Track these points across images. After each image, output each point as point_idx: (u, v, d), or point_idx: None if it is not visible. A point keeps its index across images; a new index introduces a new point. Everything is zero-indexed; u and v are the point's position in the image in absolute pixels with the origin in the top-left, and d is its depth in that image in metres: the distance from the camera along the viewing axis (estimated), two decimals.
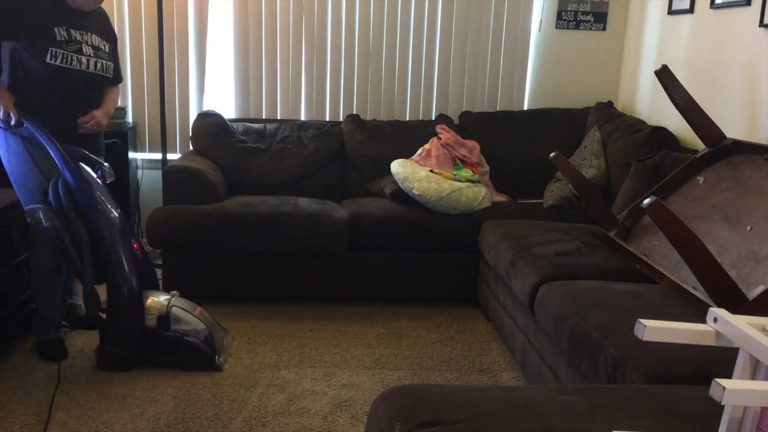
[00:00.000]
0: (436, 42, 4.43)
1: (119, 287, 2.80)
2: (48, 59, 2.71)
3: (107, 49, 2.94)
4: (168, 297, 2.93)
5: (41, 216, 2.72)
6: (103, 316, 2.89)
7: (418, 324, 3.48)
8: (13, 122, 2.72)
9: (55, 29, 2.73)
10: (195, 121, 4.07)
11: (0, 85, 2.74)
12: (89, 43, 2.84)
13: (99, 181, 2.87)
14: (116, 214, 2.86)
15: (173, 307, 2.89)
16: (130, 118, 4.33)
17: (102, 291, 2.85)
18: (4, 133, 2.80)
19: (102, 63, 2.89)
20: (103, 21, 2.99)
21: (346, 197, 4.02)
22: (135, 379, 2.79)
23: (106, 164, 2.94)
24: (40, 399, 2.60)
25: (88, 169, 2.84)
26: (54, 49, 2.72)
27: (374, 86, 4.45)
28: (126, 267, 2.80)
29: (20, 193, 2.87)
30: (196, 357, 2.88)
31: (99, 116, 2.96)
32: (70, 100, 2.86)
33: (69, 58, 2.76)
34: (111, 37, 3.03)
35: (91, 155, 2.90)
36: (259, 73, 4.35)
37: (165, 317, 2.86)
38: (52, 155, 2.75)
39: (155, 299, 2.89)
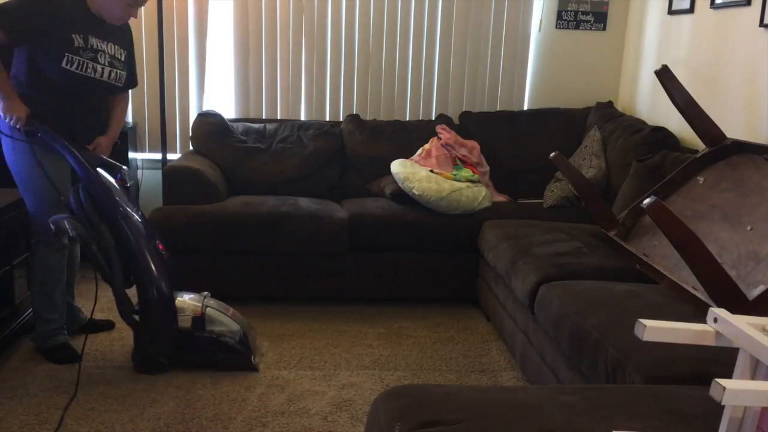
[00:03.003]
0: (436, 42, 4.43)
1: (149, 289, 2.80)
2: (63, 64, 2.71)
3: (123, 58, 2.93)
4: (200, 298, 2.94)
5: (67, 226, 2.71)
6: (136, 318, 2.89)
7: (418, 324, 3.48)
8: (19, 126, 2.71)
9: (73, 35, 2.73)
10: (195, 121, 4.07)
11: (14, 94, 2.73)
12: (106, 51, 2.84)
13: (118, 184, 2.88)
14: (138, 216, 2.87)
15: (207, 308, 2.89)
16: (130, 118, 4.33)
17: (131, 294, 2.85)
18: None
19: (116, 72, 2.89)
20: (124, 29, 2.97)
21: (346, 197, 4.02)
22: (135, 379, 2.79)
23: (124, 167, 2.94)
24: (40, 399, 2.60)
25: (106, 174, 2.85)
26: (70, 54, 2.72)
27: (374, 86, 4.45)
28: (154, 268, 2.81)
29: (26, 196, 2.86)
30: (233, 357, 2.88)
31: (103, 145, 2.97)
32: (82, 106, 2.85)
33: (84, 65, 2.76)
34: (129, 46, 3.02)
35: (109, 159, 2.91)
36: (259, 73, 4.35)
37: (200, 318, 2.86)
38: (71, 162, 2.76)
39: (189, 300, 2.89)
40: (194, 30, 4.28)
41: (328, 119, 4.43)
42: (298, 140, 4.10)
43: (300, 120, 4.35)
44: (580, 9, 4.43)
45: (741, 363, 1.25)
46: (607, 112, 4.19)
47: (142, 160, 4.37)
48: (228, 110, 4.36)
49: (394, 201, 3.73)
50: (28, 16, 2.66)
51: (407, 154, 3.98)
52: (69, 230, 2.69)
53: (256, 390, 2.73)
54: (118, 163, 2.93)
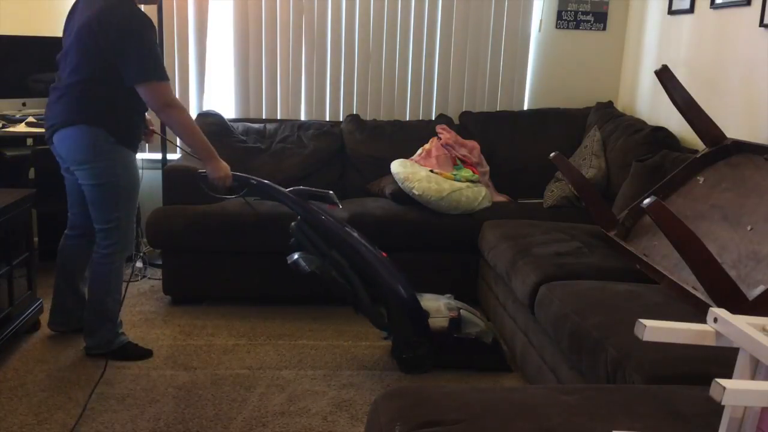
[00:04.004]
0: (436, 42, 4.43)
1: (390, 296, 2.87)
2: None
3: None
4: (448, 299, 3.00)
5: (303, 263, 2.83)
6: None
7: None
8: (227, 186, 2.85)
9: None
10: (195, 121, 4.05)
11: (212, 153, 2.82)
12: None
13: (331, 209, 2.99)
14: (356, 233, 2.95)
15: (461, 310, 2.95)
16: None
17: None
18: (117, 147, 2.74)
19: None
20: None
21: (346, 197, 4.02)
22: (135, 379, 2.79)
23: (330, 192, 3.02)
24: (40, 399, 2.60)
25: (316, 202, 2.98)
26: None
27: (374, 86, 4.45)
28: (386, 275, 2.87)
29: (126, 208, 2.82)
30: (491, 358, 2.94)
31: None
32: (144, 110, 2.89)
33: None
34: None
35: (314, 189, 3.01)
36: (259, 73, 4.35)
37: (456, 320, 2.91)
38: (285, 203, 2.91)
39: (440, 301, 2.97)
40: (194, 30, 4.28)
41: (328, 119, 4.43)
42: (298, 140, 4.10)
43: (300, 120, 4.35)
44: (580, 9, 4.43)
45: (741, 363, 1.25)
46: (607, 112, 4.19)
47: (142, 160, 4.36)
48: (228, 110, 4.36)
49: (394, 201, 3.73)
50: (158, 47, 2.74)
51: (407, 154, 3.98)
52: (306, 266, 2.82)
53: (256, 390, 2.73)
54: (323, 190, 3.03)
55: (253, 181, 2.96)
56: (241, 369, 2.91)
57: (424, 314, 2.90)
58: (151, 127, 3.07)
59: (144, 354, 2.96)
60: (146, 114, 2.97)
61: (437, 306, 2.95)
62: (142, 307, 3.55)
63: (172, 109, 2.72)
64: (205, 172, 2.91)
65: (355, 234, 2.94)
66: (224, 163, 2.87)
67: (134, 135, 2.85)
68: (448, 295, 3.06)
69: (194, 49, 4.30)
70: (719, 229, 2.47)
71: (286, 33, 4.33)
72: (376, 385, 2.81)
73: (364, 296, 2.89)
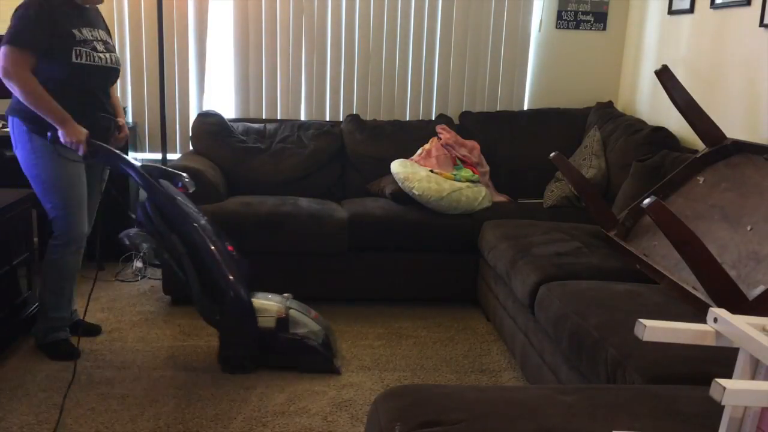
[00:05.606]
0: (436, 42, 4.43)
1: (225, 291, 2.81)
2: (74, 59, 2.72)
3: (110, 41, 2.96)
4: (283, 299, 2.94)
5: (138, 239, 2.77)
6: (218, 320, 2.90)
7: (418, 324, 3.48)
8: (81, 153, 2.75)
9: (73, 30, 2.75)
10: (195, 121, 4.07)
11: (69, 117, 2.73)
12: (99, 38, 2.85)
13: (180, 192, 2.90)
14: (204, 221, 2.89)
15: (290, 310, 2.89)
16: (130, 118, 4.33)
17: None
18: (29, 135, 2.77)
19: (114, 56, 2.91)
20: (98, 12, 3.00)
21: (346, 197, 4.02)
22: (135, 379, 2.79)
23: (184, 174, 2.96)
24: (40, 399, 2.60)
25: (167, 183, 2.89)
26: (77, 48, 2.74)
27: (374, 86, 4.45)
28: (226, 270, 2.82)
29: (49, 198, 2.82)
30: (316, 359, 2.89)
31: (124, 125, 3.05)
32: (94, 100, 2.86)
33: (90, 56, 2.77)
34: (107, 27, 3.04)
35: (169, 169, 2.95)
36: (259, 73, 4.35)
37: (284, 319, 2.86)
38: (134, 177, 2.81)
39: (272, 301, 2.90)
40: (194, 30, 4.28)
41: (328, 119, 4.43)
42: (298, 140, 4.10)
43: (300, 120, 4.35)
44: (580, 9, 4.43)
45: (741, 363, 1.25)
46: (607, 112, 4.19)
47: (142, 160, 4.37)
48: (228, 110, 4.37)
49: (394, 201, 3.73)
50: (39, 27, 2.67)
51: (407, 154, 3.98)
52: (141, 244, 2.75)
53: (256, 390, 2.73)
54: (178, 172, 2.95)
55: (107, 150, 2.80)
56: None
57: (254, 313, 2.84)
58: (121, 124, 3.01)
59: (68, 355, 2.90)
60: (112, 112, 2.94)
61: (268, 305, 2.87)
62: (142, 307, 3.55)
63: (9, 78, 2.66)
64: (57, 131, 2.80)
65: (203, 222, 2.86)
66: (80, 128, 2.75)
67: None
68: (286, 295, 2.98)
69: (194, 49, 4.30)
70: (719, 229, 2.47)
71: (286, 33, 4.33)
72: (376, 385, 2.81)
73: (194, 285, 2.81)
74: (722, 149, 2.79)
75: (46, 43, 2.67)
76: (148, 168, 2.85)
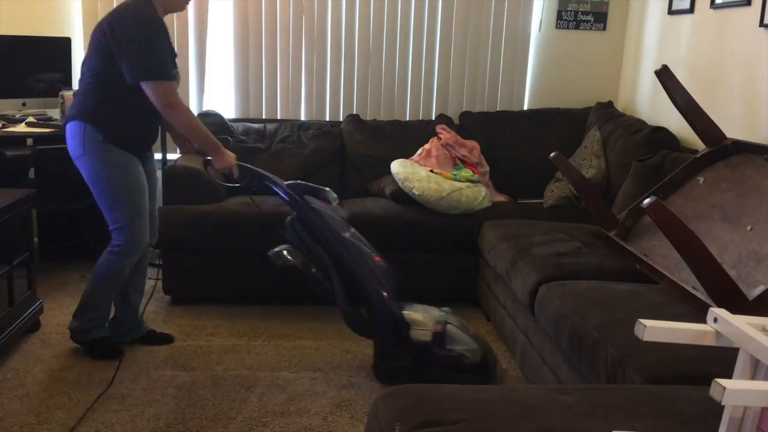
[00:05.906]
0: (436, 42, 4.43)
1: (374, 302, 2.79)
2: (174, 76, 2.79)
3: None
4: (442, 313, 2.87)
5: (289, 256, 2.80)
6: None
7: None
8: (236, 176, 2.86)
9: (172, 46, 2.84)
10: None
11: (217, 145, 2.83)
12: (176, 51, 2.92)
13: (324, 206, 2.92)
14: (351, 232, 2.89)
15: (448, 325, 2.82)
16: None
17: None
18: (104, 145, 2.75)
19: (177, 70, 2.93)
20: None
21: (346, 197, 4.02)
22: (135, 379, 2.79)
23: (327, 189, 3.00)
24: (40, 399, 2.60)
25: (313, 198, 2.93)
26: (174, 64, 2.83)
27: (374, 86, 4.45)
28: (374, 281, 2.79)
29: (117, 209, 2.81)
30: (471, 379, 2.73)
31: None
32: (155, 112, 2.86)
33: (176, 71, 2.86)
34: None
35: (310, 184, 2.99)
36: (259, 73, 4.35)
37: (440, 334, 2.78)
38: (280, 195, 2.86)
39: (430, 315, 2.84)
40: (194, 30, 4.28)
41: (328, 119, 4.43)
42: (298, 140, 4.10)
43: (300, 120, 4.35)
44: (580, 9, 4.43)
45: (741, 363, 1.25)
46: (607, 112, 4.19)
47: None
48: (228, 110, 4.36)
49: (394, 201, 3.73)
50: (167, 52, 2.75)
51: (407, 154, 3.98)
52: (291, 260, 2.78)
53: (256, 390, 2.73)
54: (320, 186, 2.99)
55: (255, 171, 2.94)
56: (241, 369, 2.91)
57: (405, 325, 2.79)
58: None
59: (110, 354, 2.93)
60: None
61: (424, 318, 2.81)
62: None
63: (172, 109, 2.72)
64: (211, 159, 2.94)
65: (348, 233, 2.86)
66: (230, 154, 2.90)
67: (130, 136, 2.81)
68: (446, 309, 2.92)
69: (194, 49, 4.30)
70: (719, 229, 2.47)
71: (286, 33, 4.33)
72: (376, 385, 2.81)
73: (340, 299, 2.80)
74: (722, 149, 2.79)
75: (173, 65, 2.76)
76: (292, 185, 2.89)
